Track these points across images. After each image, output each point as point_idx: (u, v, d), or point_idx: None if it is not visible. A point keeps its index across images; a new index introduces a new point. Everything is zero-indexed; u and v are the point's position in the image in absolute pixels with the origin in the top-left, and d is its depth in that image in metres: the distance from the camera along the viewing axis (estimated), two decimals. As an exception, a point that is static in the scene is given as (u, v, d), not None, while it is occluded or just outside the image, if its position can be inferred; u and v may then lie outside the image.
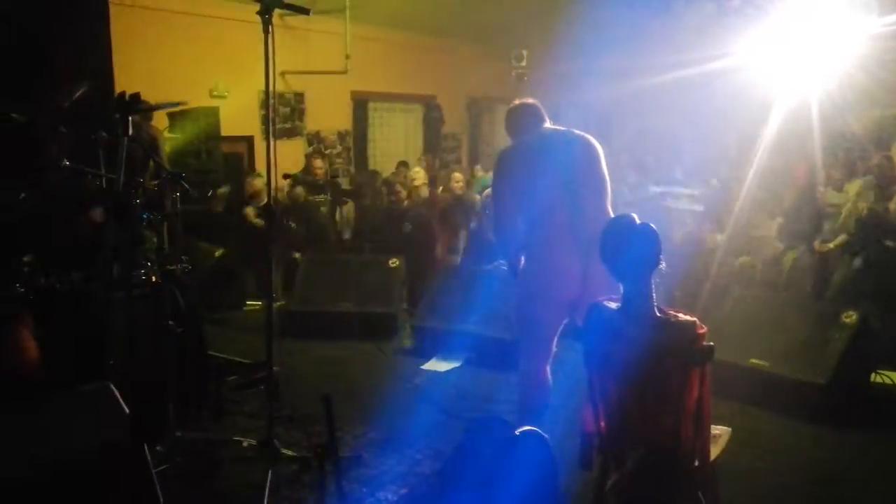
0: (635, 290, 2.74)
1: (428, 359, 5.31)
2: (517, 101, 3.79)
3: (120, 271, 2.76)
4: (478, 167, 9.98)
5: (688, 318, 2.72)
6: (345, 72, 9.23)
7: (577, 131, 3.61)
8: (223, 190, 6.97)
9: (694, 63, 7.32)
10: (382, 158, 10.63)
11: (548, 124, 3.68)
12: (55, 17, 5.02)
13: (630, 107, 8.41)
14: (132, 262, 2.67)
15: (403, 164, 9.60)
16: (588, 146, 3.57)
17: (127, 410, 2.43)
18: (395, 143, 11.12)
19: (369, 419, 4.13)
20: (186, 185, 3.61)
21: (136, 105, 2.68)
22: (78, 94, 3.58)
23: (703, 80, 7.46)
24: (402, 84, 10.71)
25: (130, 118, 2.62)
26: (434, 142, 11.56)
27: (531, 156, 3.54)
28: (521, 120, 3.70)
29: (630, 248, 2.74)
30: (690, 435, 2.68)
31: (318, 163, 7.98)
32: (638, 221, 2.81)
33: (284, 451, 3.49)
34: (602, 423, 2.80)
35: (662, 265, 2.77)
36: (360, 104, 10.38)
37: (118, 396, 2.47)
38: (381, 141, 10.89)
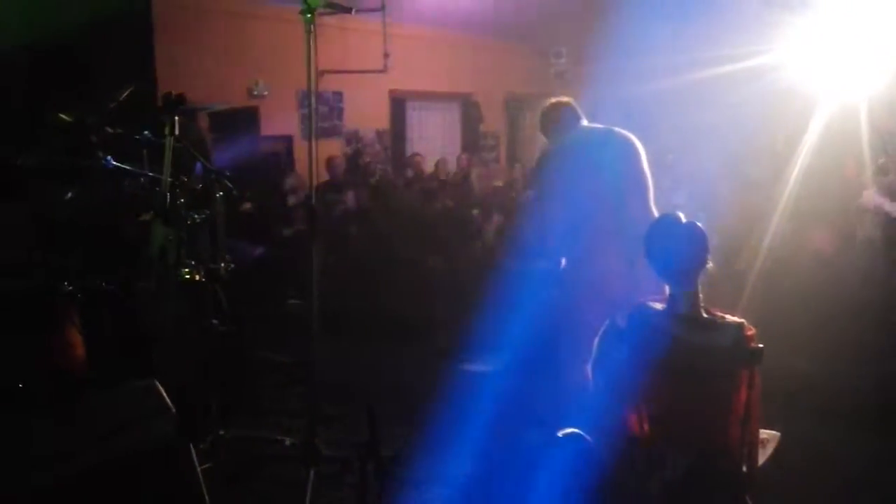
0: (681, 291, 2.69)
1: (467, 360, 5.28)
2: (552, 101, 3.76)
3: (165, 270, 2.80)
4: (517, 166, 9.94)
5: (735, 319, 2.67)
6: (384, 70, 9.24)
7: (616, 129, 3.57)
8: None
9: (738, 59, 7.20)
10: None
11: (585, 122, 3.65)
12: (100, 20, 5.12)
13: (672, 104, 8.29)
14: (177, 261, 2.69)
15: (442, 162, 9.60)
16: (628, 144, 3.53)
17: (173, 408, 2.45)
18: (432, 141, 11.10)
19: (409, 420, 4.12)
20: (230, 185, 3.64)
21: (181, 105, 2.71)
22: (124, 94, 3.64)
23: (748, 77, 7.33)
24: (440, 82, 10.69)
25: (177, 118, 2.66)
26: (472, 140, 11.53)
27: (571, 156, 3.51)
28: (557, 120, 3.67)
29: (675, 247, 2.70)
30: (738, 439, 2.63)
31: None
32: (684, 220, 2.76)
33: (326, 450, 3.49)
34: (645, 426, 2.76)
35: (710, 265, 2.72)
36: (398, 102, 10.39)
37: (164, 394, 2.50)
38: (418, 140, 10.89)
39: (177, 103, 2.67)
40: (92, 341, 3.43)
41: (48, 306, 3.33)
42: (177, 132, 2.68)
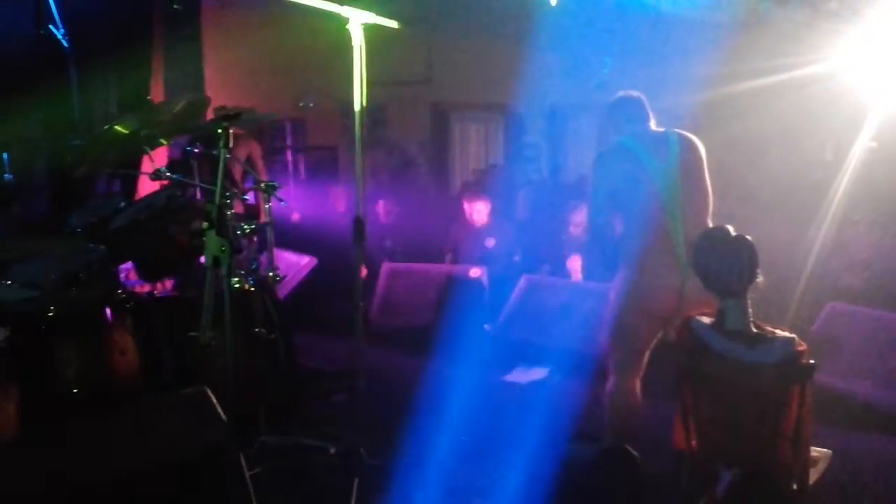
0: (731, 305, 2.67)
1: (510, 370, 5.27)
2: (620, 94, 3.67)
3: (217, 279, 2.86)
4: None
5: (786, 334, 2.64)
6: (427, 82, 9.29)
7: (679, 131, 3.46)
8: None
9: (787, 68, 7.09)
10: (462, 169, 10.66)
11: (652, 123, 3.56)
12: (151, 34, 5.27)
13: (718, 114, 8.20)
14: (229, 271, 2.75)
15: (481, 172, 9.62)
16: (692, 148, 3.42)
17: (223, 415, 2.49)
18: (474, 153, 11.12)
19: (452, 430, 4.12)
20: (279, 197, 3.71)
21: (236, 119, 2.77)
22: (178, 106, 3.73)
23: (797, 86, 7.22)
24: (483, 93, 10.70)
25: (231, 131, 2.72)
26: (514, 151, 11.52)
27: (630, 159, 3.39)
28: (623, 115, 3.58)
29: (725, 261, 2.68)
30: (788, 457, 2.59)
31: None
32: (733, 233, 2.74)
33: (369, 459, 3.52)
34: (693, 442, 2.73)
35: (760, 279, 2.69)
36: (441, 114, 10.43)
37: (214, 400, 2.55)
38: (460, 151, 10.92)
39: (232, 118, 2.73)
40: (144, 348, 3.51)
41: (101, 314, 3.40)
42: (231, 144, 2.75)
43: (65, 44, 4.27)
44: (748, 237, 2.70)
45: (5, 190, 4.17)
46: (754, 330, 2.65)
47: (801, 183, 7.36)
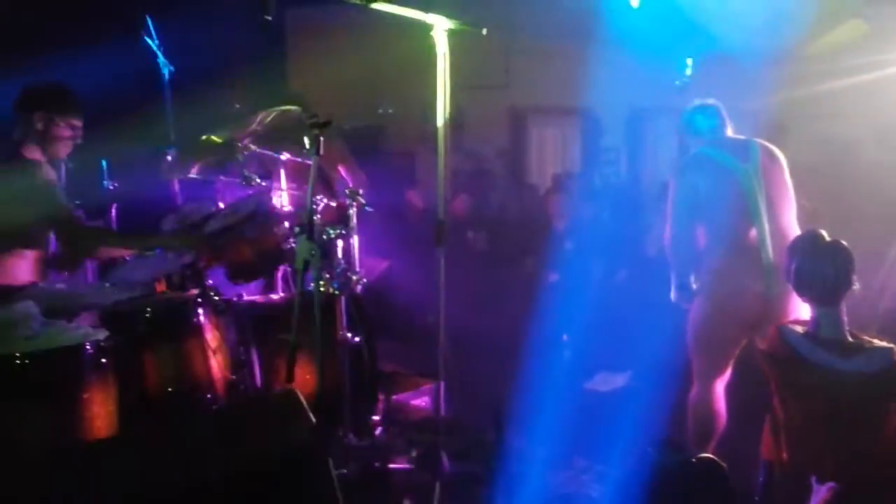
0: (825, 314, 2.59)
1: (591, 377, 5.22)
2: (696, 101, 3.68)
3: (306, 283, 2.94)
4: None
5: (885, 344, 2.55)
6: (504, 86, 9.28)
7: (759, 140, 3.47)
8: None
9: (878, 66, 6.83)
10: (539, 173, 10.60)
11: (730, 131, 3.57)
12: (241, 47, 5.46)
13: (808, 114, 7.94)
14: (318, 275, 2.83)
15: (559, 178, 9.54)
16: (773, 157, 3.43)
17: (312, 416, 2.55)
18: (552, 157, 11.05)
19: (532, 437, 4.11)
20: (364, 201, 3.80)
21: (327, 127, 2.86)
22: (271, 116, 3.86)
23: (889, 84, 6.94)
24: (560, 96, 10.61)
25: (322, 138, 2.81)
26: (592, 155, 11.39)
27: (712, 166, 3.42)
28: (701, 122, 3.59)
29: (820, 267, 2.60)
30: (886, 470, 2.50)
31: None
32: (827, 238, 2.66)
33: (451, 463, 3.54)
34: (784, 454, 2.67)
35: (855, 286, 2.61)
36: (519, 118, 10.41)
37: (304, 402, 2.60)
38: (538, 155, 10.87)
39: (323, 125, 2.83)
40: (234, 349, 3.62)
41: (195, 315, 3.53)
42: (321, 152, 2.84)
43: (161, 57, 4.47)
44: (843, 243, 2.62)
45: (106, 196, 4.37)
46: (850, 339, 2.57)
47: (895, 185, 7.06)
